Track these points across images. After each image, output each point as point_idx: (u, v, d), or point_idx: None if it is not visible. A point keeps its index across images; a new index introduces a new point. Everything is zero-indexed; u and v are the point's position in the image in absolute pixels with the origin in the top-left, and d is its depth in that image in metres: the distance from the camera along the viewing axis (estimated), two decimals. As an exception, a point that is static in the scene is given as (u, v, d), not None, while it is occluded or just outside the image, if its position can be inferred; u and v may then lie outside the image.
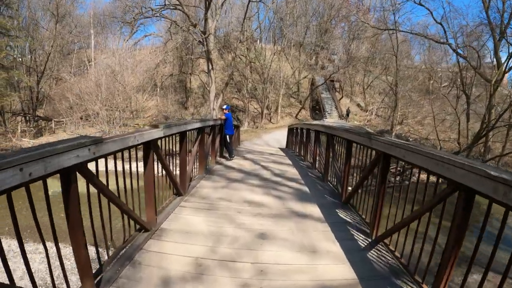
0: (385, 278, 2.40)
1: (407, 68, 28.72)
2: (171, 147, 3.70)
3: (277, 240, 2.97)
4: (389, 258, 2.71)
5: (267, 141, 18.89)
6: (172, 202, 3.80)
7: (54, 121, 23.99)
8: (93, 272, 2.05)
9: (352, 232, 3.31)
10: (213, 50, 19.22)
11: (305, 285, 2.26)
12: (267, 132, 23.57)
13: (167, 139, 3.45)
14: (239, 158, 7.76)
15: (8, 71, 19.98)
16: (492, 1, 18.74)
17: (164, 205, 3.60)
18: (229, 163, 6.92)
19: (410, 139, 21.86)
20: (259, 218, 3.48)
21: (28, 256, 1.54)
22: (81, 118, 22.87)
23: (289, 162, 7.60)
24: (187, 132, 4.22)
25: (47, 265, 1.69)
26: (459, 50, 21.61)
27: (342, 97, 33.46)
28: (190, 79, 31.38)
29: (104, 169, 2.19)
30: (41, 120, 24.62)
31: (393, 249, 2.88)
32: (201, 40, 18.95)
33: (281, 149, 11.87)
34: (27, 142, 19.47)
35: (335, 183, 4.98)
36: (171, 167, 3.75)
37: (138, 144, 2.46)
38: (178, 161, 4.14)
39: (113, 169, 2.34)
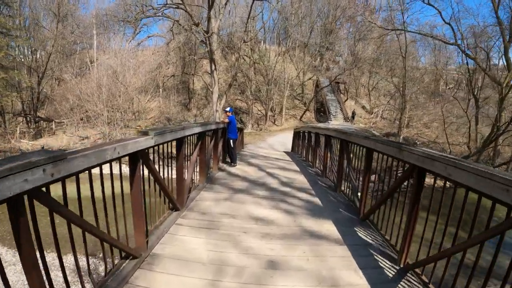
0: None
1: (413, 69, 28.06)
2: (169, 151, 3.23)
3: (290, 271, 2.51)
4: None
5: (272, 144, 18.46)
6: (167, 219, 3.31)
7: (55, 122, 23.65)
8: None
9: (376, 258, 2.85)
10: (216, 50, 18.78)
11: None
12: (271, 135, 23.13)
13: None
14: (243, 163, 7.31)
15: (8, 71, 19.64)
16: (503, 1, 18.23)
17: (157, 223, 3.10)
18: (232, 169, 6.47)
19: (418, 142, 21.25)
20: (268, 241, 3.00)
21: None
22: (81, 119, 22.48)
23: (297, 168, 7.14)
24: (185, 138, 3.75)
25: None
26: (467, 51, 21.02)
27: (347, 99, 32.82)
28: (193, 80, 30.93)
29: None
30: (42, 121, 24.28)
31: (426, 280, 2.43)
32: (204, 40, 18.54)
33: (286, 153, 11.38)
34: (26, 144, 19.13)
35: (349, 195, 4.51)
36: (167, 174, 3.27)
37: (121, 157, 1.99)
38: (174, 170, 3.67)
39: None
